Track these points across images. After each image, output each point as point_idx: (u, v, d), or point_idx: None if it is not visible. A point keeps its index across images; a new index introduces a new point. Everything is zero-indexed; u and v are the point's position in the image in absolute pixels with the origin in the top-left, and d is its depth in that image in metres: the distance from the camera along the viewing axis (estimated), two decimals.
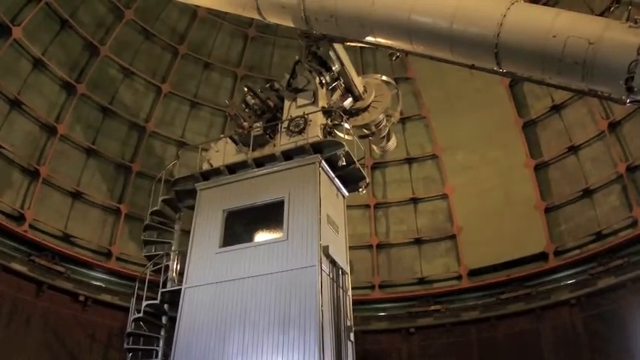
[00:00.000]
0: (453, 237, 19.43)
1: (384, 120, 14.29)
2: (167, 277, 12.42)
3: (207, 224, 11.92)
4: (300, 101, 12.81)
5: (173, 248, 12.99)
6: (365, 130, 14.33)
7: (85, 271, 17.01)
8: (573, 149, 17.66)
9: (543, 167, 18.25)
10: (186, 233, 12.83)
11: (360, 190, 12.91)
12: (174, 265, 12.61)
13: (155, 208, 13.24)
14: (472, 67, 10.02)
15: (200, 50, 21.03)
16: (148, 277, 12.45)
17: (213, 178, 12.64)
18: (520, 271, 17.47)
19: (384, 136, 14.78)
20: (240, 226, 11.79)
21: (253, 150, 12.45)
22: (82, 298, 16.50)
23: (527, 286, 17.32)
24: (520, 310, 17.31)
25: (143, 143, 19.52)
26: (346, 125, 13.13)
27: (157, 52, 20.23)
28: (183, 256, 12.24)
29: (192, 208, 12.69)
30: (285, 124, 12.41)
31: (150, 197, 14.12)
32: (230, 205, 11.97)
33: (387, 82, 14.64)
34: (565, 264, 16.76)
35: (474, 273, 18.55)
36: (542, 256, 17.29)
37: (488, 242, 18.28)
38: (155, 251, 13.24)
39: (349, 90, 13.73)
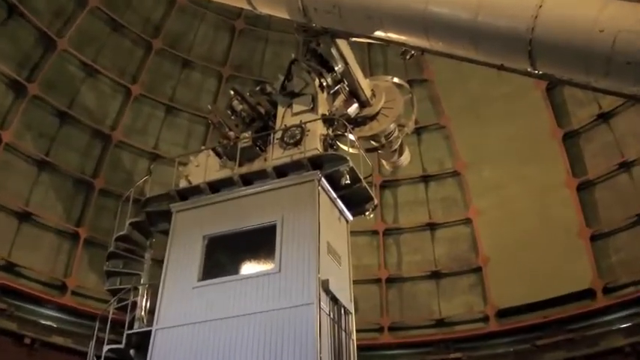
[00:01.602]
0: (477, 270, 19.43)
1: (396, 130, 14.37)
2: (134, 316, 12.35)
3: (184, 253, 11.91)
4: (297, 107, 12.90)
5: (142, 281, 12.94)
6: (373, 142, 14.40)
7: (32, 307, 16.92)
8: (625, 166, 17.73)
9: (588, 187, 18.30)
10: (158, 263, 12.81)
11: (367, 213, 12.93)
12: (144, 302, 12.55)
13: (121, 233, 13.23)
14: (501, 67, 10.08)
15: (178, 45, 21.24)
16: (110, 315, 12.39)
17: (192, 198, 12.67)
18: (561, 311, 17.40)
19: (395, 150, 14.85)
20: (223, 255, 11.77)
21: (240, 165, 12.49)
22: (28, 341, 16.38)
23: (570, 330, 17.24)
24: (561, 359, 17.21)
25: (108, 155, 19.61)
26: (351, 136, 13.20)
27: (126, 46, 20.42)
28: (154, 291, 12.19)
29: (166, 233, 12.69)
30: (279, 135, 12.48)
31: (115, 220, 14.14)
32: (212, 230, 11.98)
33: (399, 86, 14.76)
34: (617, 303, 16.69)
35: (503, 314, 18.49)
36: (588, 294, 17.22)
37: (521, 276, 18.25)
38: (120, 284, 13.18)
39: (355, 94, 13.84)
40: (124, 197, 14.22)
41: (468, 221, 20.06)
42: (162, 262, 12.25)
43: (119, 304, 12.64)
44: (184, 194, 12.77)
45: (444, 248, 20.32)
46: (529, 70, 9.60)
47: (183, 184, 13.01)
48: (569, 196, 18.24)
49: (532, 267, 18.09)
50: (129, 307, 12.44)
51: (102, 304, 14.68)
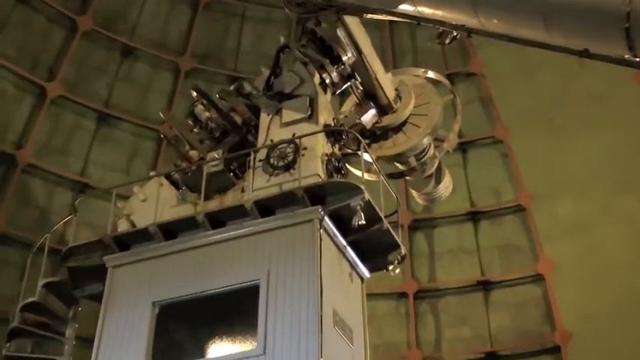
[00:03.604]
0: (555, 350, 19.40)
1: (432, 147, 14.45)
2: None
3: (124, 327, 11.85)
4: (288, 115, 12.94)
5: None
6: (399, 165, 14.47)
7: None
8: None
9: None
10: (85, 344, 12.78)
11: (391, 267, 12.90)
12: None
13: (31, 300, 13.20)
14: (584, 53, 10.13)
15: (116, 25, 21.40)
16: None
17: (136, 247, 12.65)
18: None
19: (431, 175, 14.90)
20: (182, 330, 11.77)
21: (207, 198, 12.50)
22: None
23: None
24: None
25: (11, 185, 19.62)
26: (366, 156, 13.25)
27: (39, 26, 20.57)
28: None
29: (98, 298, 12.67)
30: (263, 155, 12.54)
31: (22, 280, 14.10)
32: (165, 293, 11.94)
33: (435, 82, 14.86)
34: None
35: None
36: None
37: None
38: None
39: (371, 96, 13.91)
40: (36, 246, 14.19)
41: (538, 278, 20.04)
42: (91, 341, 12.17)
43: None
44: (125, 242, 12.73)
45: (503, 318, 20.24)
46: (627, 57, 9.60)
47: (123, 226, 13.00)
48: None
49: (637, 346, 18.01)
50: None
51: None
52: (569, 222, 19.84)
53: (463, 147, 20.69)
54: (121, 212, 13.20)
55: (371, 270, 12.86)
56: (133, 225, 12.90)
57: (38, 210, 19.83)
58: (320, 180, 11.98)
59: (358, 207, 11.59)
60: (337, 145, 12.97)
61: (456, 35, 11.78)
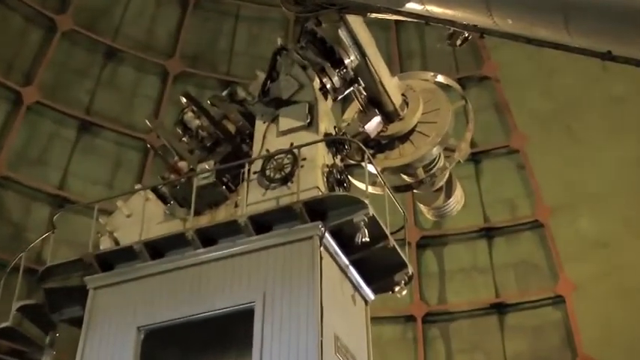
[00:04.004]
0: None
1: (441, 157, 14.45)
2: None
3: (107, 354, 11.82)
4: (286, 122, 12.96)
5: None
6: (406, 177, 14.46)
7: None
8: None
9: None
10: None
11: (398, 288, 12.89)
12: None
13: (4, 325, 13.16)
14: (606, 56, 10.12)
15: (98, 25, 21.42)
16: None
17: (120, 267, 12.63)
18: None
19: (440, 188, 14.90)
20: (170, 357, 11.82)
21: (197, 214, 12.52)
22: None
23: None
24: None
25: None
26: (371, 168, 13.24)
27: (15, 26, 20.61)
28: None
29: (77, 323, 12.64)
30: (258, 166, 12.54)
31: None
32: (152, 317, 11.90)
33: (445, 87, 14.85)
34: None
35: None
36: None
37: None
38: None
39: (375, 102, 13.92)
40: (10, 266, 14.16)
41: (557, 300, 20.01)
42: None
43: None
44: (108, 261, 12.72)
45: (520, 343, 20.21)
46: None
47: (106, 244, 13.00)
48: None
49: None
50: None
51: None
52: (592, 238, 19.81)
53: (476, 157, 20.69)
54: (103, 229, 13.18)
55: (376, 291, 12.83)
56: (117, 243, 12.89)
57: (13, 226, 19.80)
58: (320, 193, 11.96)
59: (362, 223, 11.51)
60: (339, 156, 12.96)
61: (468, 36, 11.81)
